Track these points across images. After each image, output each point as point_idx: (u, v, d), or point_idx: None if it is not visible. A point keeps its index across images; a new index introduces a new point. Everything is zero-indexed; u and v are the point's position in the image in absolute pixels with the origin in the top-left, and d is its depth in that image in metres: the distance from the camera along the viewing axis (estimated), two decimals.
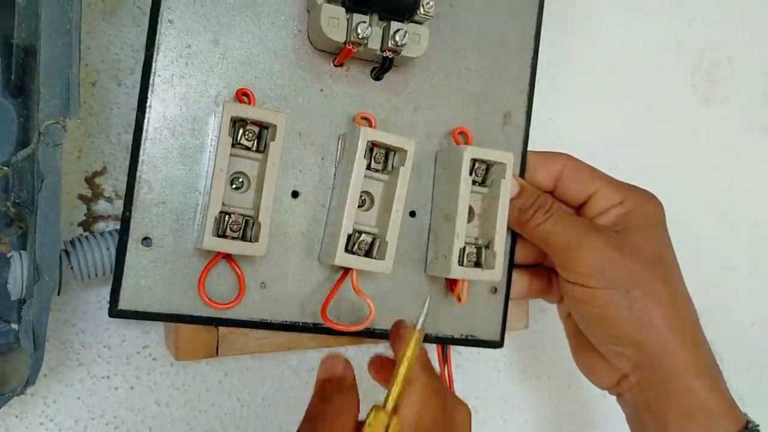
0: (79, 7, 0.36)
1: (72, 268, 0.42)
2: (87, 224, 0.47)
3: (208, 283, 0.42)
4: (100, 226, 0.47)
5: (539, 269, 0.53)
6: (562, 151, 0.50)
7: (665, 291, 0.46)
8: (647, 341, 0.46)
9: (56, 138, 0.37)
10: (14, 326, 0.41)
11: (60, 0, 0.35)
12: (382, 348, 0.57)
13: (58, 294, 0.41)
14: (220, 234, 0.40)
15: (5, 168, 0.39)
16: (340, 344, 0.54)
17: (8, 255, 0.40)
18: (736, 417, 0.46)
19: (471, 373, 0.61)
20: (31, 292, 0.38)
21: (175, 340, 0.47)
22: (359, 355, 0.56)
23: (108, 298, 0.47)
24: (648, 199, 0.49)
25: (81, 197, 0.47)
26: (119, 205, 0.48)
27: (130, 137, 0.41)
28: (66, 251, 0.42)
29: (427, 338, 0.48)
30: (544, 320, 0.62)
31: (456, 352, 0.50)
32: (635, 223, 0.47)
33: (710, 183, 0.75)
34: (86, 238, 0.43)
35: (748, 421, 0.46)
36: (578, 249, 0.46)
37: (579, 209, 0.50)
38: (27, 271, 0.39)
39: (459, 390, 0.50)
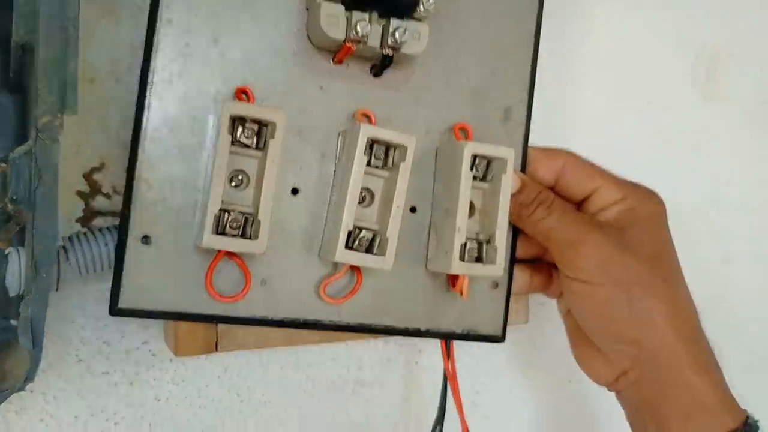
0: (77, 3, 0.36)
1: (70, 264, 0.42)
2: (85, 220, 0.47)
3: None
4: (98, 222, 0.47)
5: (540, 264, 0.53)
6: (563, 147, 0.50)
7: (665, 289, 0.46)
8: (647, 338, 0.46)
9: (54, 134, 0.36)
10: (13, 322, 0.41)
11: None
12: (382, 342, 0.57)
13: (57, 290, 0.41)
14: (220, 232, 0.40)
15: (3, 164, 0.39)
16: (340, 339, 0.54)
17: (6, 251, 0.40)
18: (736, 413, 0.46)
19: (471, 367, 0.61)
20: (29, 288, 0.38)
21: (175, 336, 0.47)
22: (360, 351, 0.57)
23: (107, 294, 0.46)
24: (650, 196, 0.49)
25: (79, 193, 0.47)
26: (117, 201, 0.48)
27: (128, 133, 0.40)
28: (64, 247, 0.42)
29: (429, 334, 0.48)
30: (545, 314, 0.62)
31: (456, 345, 0.50)
32: (637, 220, 0.47)
33: (710, 179, 0.75)
34: (84, 234, 0.43)
35: (747, 417, 0.46)
36: (579, 245, 0.46)
37: (580, 206, 0.50)
38: (25, 267, 0.39)
39: (460, 384, 0.50)
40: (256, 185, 0.41)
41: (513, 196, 0.47)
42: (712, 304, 0.66)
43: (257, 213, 0.40)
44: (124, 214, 0.40)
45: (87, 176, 0.47)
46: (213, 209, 0.39)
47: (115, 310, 0.40)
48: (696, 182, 0.74)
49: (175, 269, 0.41)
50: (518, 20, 0.49)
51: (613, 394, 0.51)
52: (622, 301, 0.45)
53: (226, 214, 0.40)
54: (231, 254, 0.42)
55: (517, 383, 0.64)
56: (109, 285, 0.40)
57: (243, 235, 0.40)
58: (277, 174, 0.41)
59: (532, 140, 0.50)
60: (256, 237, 0.40)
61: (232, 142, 0.40)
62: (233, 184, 0.41)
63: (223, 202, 0.40)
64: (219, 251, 0.41)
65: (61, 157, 0.37)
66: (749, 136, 0.77)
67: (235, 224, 0.40)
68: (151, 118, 0.40)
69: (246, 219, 0.40)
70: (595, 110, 0.67)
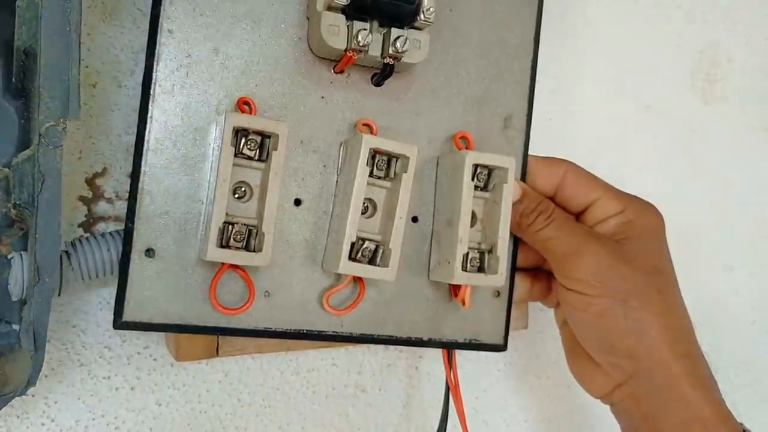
0: (79, 9, 0.36)
1: (73, 269, 0.42)
2: (87, 225, 0.47)
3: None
4: (101, 227, 0.47)
5: (540, 273, 0.53)
6: (564, 157, 0.50)
7: (662, 302, 0.46)
8: (642, 351, 0.46)
9: (57, 140, 0.36)
10: (15, 327, 0.41)
11: (60, 2, 0.35)
12: (382, 348, 0.57)
13: (59, 295, 0.41)
14: (224, 244, 0.40)
15: (6, 170, 0.39)
16: (341, 344, 0.54)
17: (9, 256, 0.40)
18: (731, 426, 0.46)
19: (471, 373, 0.61)
20: (31, 293, 0.38)
21: (176, 341, 0.47)
22: (360, 356, 0.57)
23: (109, 299, 0.47)
24: (648, 209, 0.49)
25: (81, 198, 0.47)
26: (120, 206, 0.48)
27: (130, 138, 0.41)
28: (66, 252, 0.42)
29: (432, 343, 0.48)
30: (544, 320, 0.63)
31: (456, 352, 0.50)
32: (635, 233, 0.47)
33: (710, 183, 0.75)
34: (87, 239, 0.43)
35: (744, 430, 0.46)
36: (577, 256, 0.46)
37: (578, 217, 0.50)
38: (27, 272, 0.39)
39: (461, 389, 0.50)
40: (259, 197, 0.41)
41: (513, 205, 0.47)
42: (712, 311, 0.66)
43: (261, 225, 0.40)
44: (128, 227, 0.40)
45: (89, 181, 0.47)
46: (217, 222, 0.39)
47: (119, 323, 0.40)
48: (695, 187, 0.74)
49: (179, 282, 0.41)
50: (517, 27, 0.49)
51: None
52: (618, 313, 0.45)
53: (230, 227, 0.40)
54: (235, 266, 0.42)
55: (516, 388, 0.64)
56: (111, 290, 0.41)
57: (247, 248, 0.40)
58: (280, 185, 0.41)
59: (531, 146, 0.50)
60: (261, 249, 0.40)
61: (235, 154, 0.40)
62: (236, 196, 0.41)
63: (226, 214, 0.39)
64: (223, 264, 0.41)
65: (64, 163, 0.37)
66: (749, 139, 0.77)
67: (239, 237, 0.40)
68: (154, 130, 0.40)
69: (250, 231, 0.40)
70: (594, 115, 0.67)
